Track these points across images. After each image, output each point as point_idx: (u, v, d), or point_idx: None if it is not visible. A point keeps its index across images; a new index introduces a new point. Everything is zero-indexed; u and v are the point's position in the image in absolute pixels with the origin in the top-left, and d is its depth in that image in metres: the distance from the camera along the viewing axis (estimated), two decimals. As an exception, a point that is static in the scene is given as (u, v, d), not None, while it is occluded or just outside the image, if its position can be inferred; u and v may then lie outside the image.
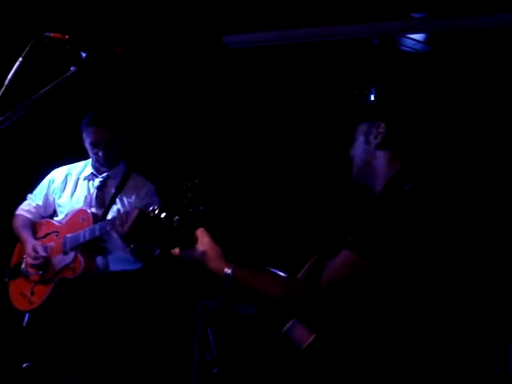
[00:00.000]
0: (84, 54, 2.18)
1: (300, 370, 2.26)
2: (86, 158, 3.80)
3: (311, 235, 4.49)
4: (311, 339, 2.08)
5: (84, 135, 3.65)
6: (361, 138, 2.13)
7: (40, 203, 3.76)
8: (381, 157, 2.07)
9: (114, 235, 3.47)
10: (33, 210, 3.77)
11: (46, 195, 3.76)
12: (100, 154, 3.61)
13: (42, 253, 3.57)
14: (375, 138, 2.08)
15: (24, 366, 3.71)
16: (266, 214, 4.76)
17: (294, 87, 4.74)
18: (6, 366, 3.84)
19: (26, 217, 3.76)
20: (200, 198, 3.21)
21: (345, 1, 4.17)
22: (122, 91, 4.69)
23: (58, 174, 3.79)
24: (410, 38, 4.55)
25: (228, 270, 2.01)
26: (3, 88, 2.06)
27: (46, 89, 2.11)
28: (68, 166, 3.82)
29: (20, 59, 2.12)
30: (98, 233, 3.45)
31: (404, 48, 4.64)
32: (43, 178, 3.82)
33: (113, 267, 3.57)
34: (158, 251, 2.06)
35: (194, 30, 4.50)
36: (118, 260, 3.58)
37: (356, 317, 1.93)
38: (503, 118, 4.48)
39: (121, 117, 3.75)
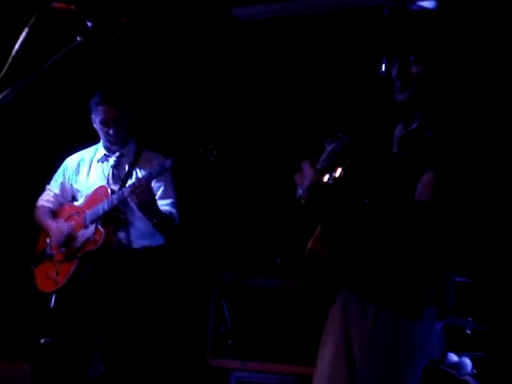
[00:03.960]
0: (90, 24, 2.17)
1: (336, 285, 2.31)
2: (96, 140, 3.80)
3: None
4: (346, 255, 2.19)
5: (93, 115, 3.66)
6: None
7: (57, 192, 3.81)
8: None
9: (133, 205, 3.48)
10: (52, 199, 3.82)
11: (62, 183, 3.80)
12: (111, 131, 3.62)
13: (65, 228, 3.61)
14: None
15: (42, 341, 3.76)
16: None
17: (303, 59, 4.70)
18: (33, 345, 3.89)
19: (46, 206, 3.82)
20: (210, 152, 3.26)
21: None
22: (129, 67, 4.69)
23: (71, 161, 3.83)
24: (420, 7, 4.49)
25: None
26: (10, 59, 2.06)
27: (52, 59, 2.11)
28: (80, 152, 3.85)
29: (26, 29, 2.12)
30: (115, 201, 3.48)
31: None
32: (59, 165, 3.86)
33: (136, 244, 3.60)
34: None
35: (202, 2, 4.47)
36: (141, 234, 3.60)
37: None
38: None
39: (130, 94, 3.76)
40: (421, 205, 2.11)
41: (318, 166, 2.20)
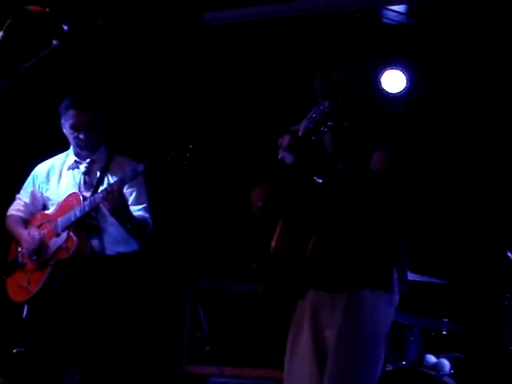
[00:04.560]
0: (66, 27, 2.15)
1: (305, 277, 2.34)
2: (66, 147, 3.76)
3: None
4: (311, 244, 2.26)
5: (63, 120, 3.62)
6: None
7: (27, 201, 3.76)
8: None
9: (105, 211, 3.44)
10: (22, 208, 3.77)
11: (33, 192, 3.75)
12: (81, 136, 3.58)
13: (37, 235, 3.56)
14: None
15: (15, 351, 3.69)
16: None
17: (276, 63, 4.72)
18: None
19: (16, 215, 3.76)
20: (183, 155, 3.25)
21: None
22: (99, 71, 4.65)
23: (40, 169, 3.78)
24: (391, 10, 4.54)
25: None
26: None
27: (29, 63, 2.08)
28: (50, 159, 3.80)
29: (1, 33, 2.08)
30: (87, 208, 3.44)
31: (386, 20, 4.63)
32: (28, 174, 3.80)
33: (109, 250, 3.56)
34: None
35: (175, 7, 4.45)
36: (114, 240, 3.56)
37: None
38: (488, 87, 4.51)
39: (101, 98, 3.72)
40: (377, 173, 2.28)
41: (301, 133, 2.31)
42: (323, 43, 2.53)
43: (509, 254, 3.55)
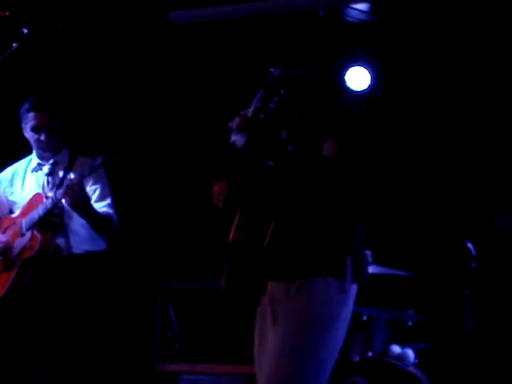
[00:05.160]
0: (26, 30, 2.16)
1: (265, 269, 2.36)
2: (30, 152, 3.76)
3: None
4: (269, 235, 2.26)
5: (23, 123, 3.63)
6: None
7: None
8: None
9: (69, 209, 3.46)
10: None
11: None
12: (42, 138, 3.59)
13: (3, 237, 3.57)
14: None
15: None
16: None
17: (241, 62, 4.75)
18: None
19: None
20: (139, 144, 3.31)
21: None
22: (61, 73, 4.64)
23: (4, 174, 3.79)
24: (354, 9, 4.59)
25: None
26: None
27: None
28: (13, 164, 3.81)
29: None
30: (49, 205, 3.45)
31: (349, 19, 4.68)
32: None
33: (76, 248, 3.58)
34: None
35: (139, 6, 4.47)
36: (80, 239, 3.58)
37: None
38: (452, 84, 4.60)
39: (60, 101, 3.74)
40: (329, 158, 2.31)
41: (250, 113, 2.34)
42: (281, 42, 2.57)
43: (468, 245, 3.64)
